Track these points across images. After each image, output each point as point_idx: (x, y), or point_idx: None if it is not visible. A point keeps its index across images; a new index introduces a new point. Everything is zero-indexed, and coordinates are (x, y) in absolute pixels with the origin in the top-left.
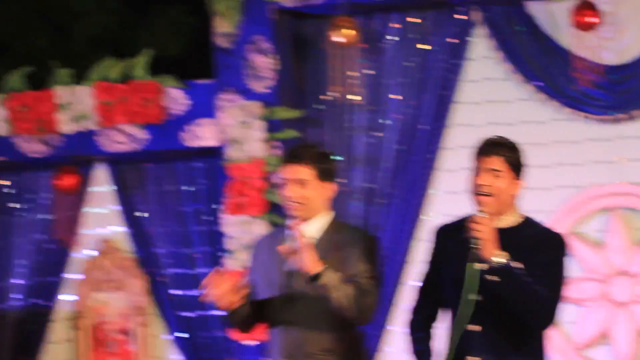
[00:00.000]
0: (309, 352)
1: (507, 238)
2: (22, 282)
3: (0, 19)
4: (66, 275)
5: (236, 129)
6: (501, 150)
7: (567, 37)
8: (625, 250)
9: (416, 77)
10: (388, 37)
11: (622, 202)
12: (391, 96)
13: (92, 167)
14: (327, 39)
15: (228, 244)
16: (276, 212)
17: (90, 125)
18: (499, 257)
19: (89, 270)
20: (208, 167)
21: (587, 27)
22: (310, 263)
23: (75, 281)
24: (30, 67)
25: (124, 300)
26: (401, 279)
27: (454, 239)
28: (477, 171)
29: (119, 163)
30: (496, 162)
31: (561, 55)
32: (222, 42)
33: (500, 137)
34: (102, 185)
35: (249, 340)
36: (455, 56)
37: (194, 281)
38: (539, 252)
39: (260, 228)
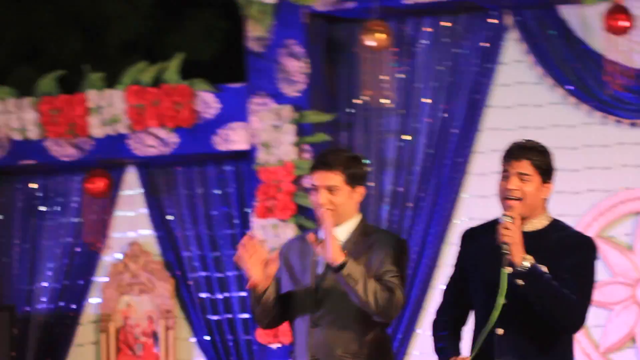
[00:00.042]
0: (335, 354)
1: (536, 241)
2: (50, 285)
3: (34, 24)
4: (94, 279)
5: (267, 132)
6: (529, 154)
7: (599, 40)
8: None
9: (448, 81)
10: (420, 41)
11: None
12: (423, 100)
13: (122, 171)
14: (359, 43)
15: None
16: (304, 216)
17: (121, 128)
18: (525, 261)
19: (117, 273)
20: (238, 170)
21: (620, 31)
22: (334, 253)
23: (103, 284)
24: (62, 71)
25: (151, 303)
26: (430, 283)
27: (480, 242)
28: (506, 175)
29: (149, 166)
30: (524, 166)
31: (593, 59)
32: (254, 46)
33: (529, 140)
34: (132, 189)
35: (273, 343)
36: (487, 60)
37: (221, 284)
38: (568, 256)
39: (288, 231)
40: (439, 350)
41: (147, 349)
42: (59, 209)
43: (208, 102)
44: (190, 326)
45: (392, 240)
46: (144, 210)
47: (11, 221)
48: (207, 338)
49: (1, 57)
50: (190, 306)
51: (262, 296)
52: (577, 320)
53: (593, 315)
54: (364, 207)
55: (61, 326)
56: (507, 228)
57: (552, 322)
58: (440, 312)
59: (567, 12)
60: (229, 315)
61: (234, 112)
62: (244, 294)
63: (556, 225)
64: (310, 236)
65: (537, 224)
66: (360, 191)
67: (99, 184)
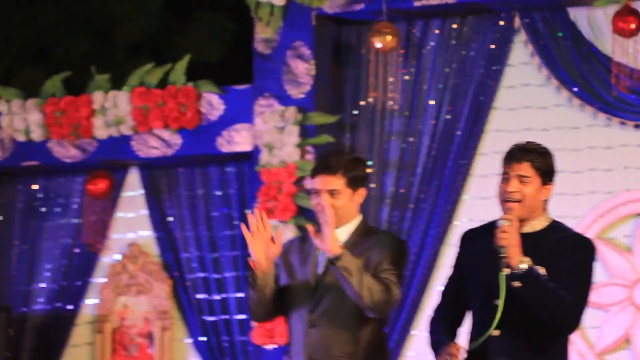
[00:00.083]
0: (332, 354)
1: (535, 243)
2: (48, 286)
3: (42, 25)
4: (92, 280)
5: (271, 134)
6: (529, 156)
7: (607, 42)
8: None
9: (454, 82)
10: (428, 43)
11: None
12: (428, 102)
13: (124, 172)
14: (367, 45)
15: None
16: (305, 217)
17: (125, 130)
18: (522, 263)
19: (115, 274)
20: (240, 171)
21: (629, 33)
22: (331, 244)
23: (101, 285)
24: (69, 72)
25: (148, 304)
26: (427, 284)
27: (479, 244)
28: (506, 178)
29: (151, 168)
30: (524, 168)
31: (600, 61)
32: (262, 48)
33: (529, 142)
34: (134, 190)
35: (269, 344)
36: (494, 62)
37: (219, 285)
38: (566, 257)
39: (288, 233)
40: (433, 343)
41: (142, 350)
42: (59, 210)
43: (213, 104)
44: (186, 327)
45: (392, 241)
46: (144, 212)
47: (11, 222)
48: (203, 339)
49: (8, 58)
50: (187, 307)
51: (259, 281)
52: (573, 322)
53: (589, 316)
54: (363, 208)
55: (57, 327)
56: (504, 231)
57: (548, 323)
58: (438, 310)
59: (577, 14)
60: (226, 316)
61: (239, 113)
62: (241, 295)
63: (555, 227)
64: (310, 227)
65: (537, 225)
66: (361, 193)
67: (100, 185)
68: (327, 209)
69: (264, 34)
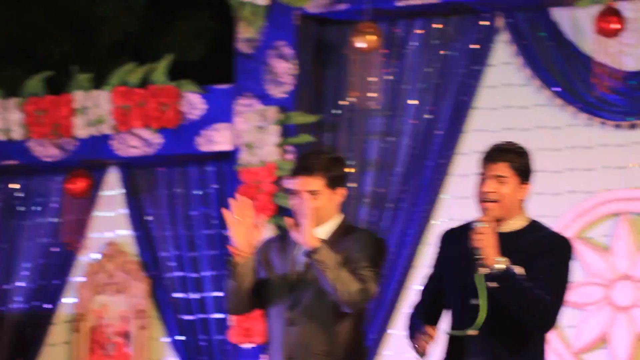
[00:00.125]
0: (311, 352)
1: (512, 242)
2: (26, 284)
3: (24, 24)
4: (70, 279)
5: (251, 133)
6: (506, 156)
7: (589, 43)
8: (630, 255)
9: (435, 82)
10: (410, 43)
11: (632, 207)
12: (409, 101)
13: (104, 171)
14: (350, 45)
15: None
16: (284, 216)
17: (105, 129)
18: (499, 264)
19: (92, 273)
20: (220, 171)
21: (611, 33)
22: (309, 236)
23: (79, 284)
24: (51, 71)
25: (125, 303)
26: (404, 283)
27: (458, 243)
28: (483, 178)
29: (131, 167)
30: (501, 169)
31: (582, 61)
32: (244, 48)
33: (507, 142)
34: (113, 189)
35: (246, 343)
36: (476, 62)
37: (197, 284)
38: (543, 256)
39: (267, 232)
40: (410, 327)
41: (120, 349)
42: (39, 209)
43: (194, 103)
44: (163, 326)
45: (371, 239)
46: (123, 211)
47: None
48: (180, 338)
49: None
50: (165, 306)
51: (239, 269)
52: (549, 321)
53: (567, 315)
54: (343, 207)
55: (34, 326)
56: (480, 232)
57: (524, 322)
58: (416, 308)
59: (559, 15)
60: (203, 316)
61: (220, 113)
62: (219, 294)
63: (534, 226)
64: (289, 220)
65: (515, 224)
66: (341, 192)
67: (79, 184)
68: (306, 202)
69: (246, 33)
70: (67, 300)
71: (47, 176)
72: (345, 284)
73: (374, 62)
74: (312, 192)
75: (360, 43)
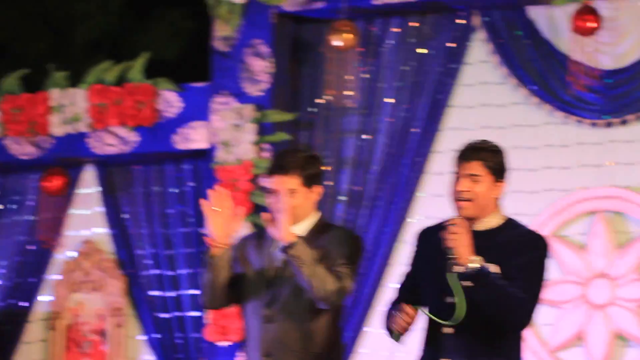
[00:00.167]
0: (288, 349)
1: (487, 240)
2: (2, 282)
3: (0, 22)
4: (46, 277)
5: (227, 131)
6: (480, 155)
7: (566, 41)
8: (606, 253)
9: (412, 80)
10: (387, 41)
11: (608, 206)
12: (385, 100)
13: (80, 169)
14: (326, 43)
15: None
16: (259, 214)
17: (81, 127)
18: (473, 263)
19: (69, 271)
20: (196, 169)
21: (587, 31)
22: (285, 231)
23: (55, 282)
24: (27, 70)
25: (101, 301)
26: (381, 281)
27: (434, 242)
28: (457, 177)
29: (107, 165)
30: (475, 167)
31: (558, 60)
32: (220, 46)
33: (481, 141)
34: (89, 187)
35: (222, 341)
36: (452, 60)
37: (173, 282)
38: (518, 254)
39: (243, 230)
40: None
41: (96, 347)
42: (15, 207)
43: (170, 101)
44: (140, 324)
45: (347, 236)
46: (99, 209)
47: None
48: (157, 336)
49: None
50: (141, 304)
51: (215, 261)
52: (524, 319)
53: (543, 313)
54: (319, 205)
55: (10, 324)
56: (453, 232)
57: (499, 320)
58: (392, 304)
59: (535, 13)
60: (179, 313)
61: (196, 111)
62: (195, 291)
63: (509, 224)
64: (265, 215)
65: (490, 222)
66: (317, 190)
67: (56, 182)
68: (282, 198)
69: (223, 31)
70: (43, 298)
71: (24, 174)
72: (322, 280)
73: (350, 60)
74: (289, 191)
75: (336, 41)
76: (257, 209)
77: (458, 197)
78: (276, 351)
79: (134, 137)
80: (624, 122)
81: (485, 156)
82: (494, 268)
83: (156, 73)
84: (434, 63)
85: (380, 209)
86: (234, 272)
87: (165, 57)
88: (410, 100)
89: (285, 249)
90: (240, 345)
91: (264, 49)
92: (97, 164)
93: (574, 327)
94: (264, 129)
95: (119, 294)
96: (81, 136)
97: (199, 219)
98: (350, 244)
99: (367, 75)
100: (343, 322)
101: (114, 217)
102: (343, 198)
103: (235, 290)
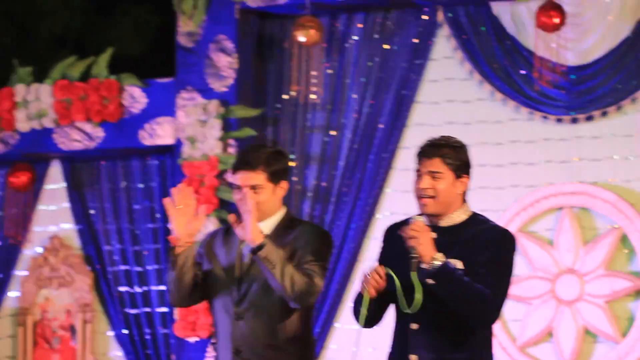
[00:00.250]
0: (258, 346)
1: (453, 236)
2: None
3: None
4: (14, 272)
5: (193, 127)
6: (439, 152)
7: (531, 37)
8: (574, 249)
9: (377, 76)
10: (351, 37)
11: (575, 201)
12: (350, 95)
13: (46, 165)
14: (291, 39)
15: None
16: (227, 210)
17: (47, 123)
18: (435, 260)
19: (36, 267)
20: (162, 165)
21: (552, 27)
22: (253, 233)
23: (22, 278)
24: None
25: (69, 296)
26: (349, 277)
27: (400, 239)
28: (419, 174)
29: (73, 161)
30: (435, 164)
31: (523, 56)
32: (185, 41)
33: (441, 137)
34: (55, 183)
35: (191, 337)
36: (417, 56)
37: (141, 278)
38: (484, 249)
39: (210, 226)
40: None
41: (64, 343)
42: None
43: (135, 97)
44: (108, 320)
45: (316, 232)
46: (66, 204)
47: None
48: (125, 332)
49: None
50: (109, 300)
51: (180, 259)
52: (491, 315)
53: (511, 309)
54: (286, 202)
55: None
56: (414, 230)
57: (465, 316)
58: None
59: (500, 9)
60: (148, 309)
61: (162, 106)
62: (163, 287)
63: (475, 219)
64: (231, 216)
65: (455, 218)
66: (283, 186)
67: (22, 178)
68: (248, 198)
69: (187, 27)
70: (12, 294)
71: None
72: (292, 279)
73: (315, 56)
74: (255, 187)
75: (301, 37)
76: (224, 204)
77: (420, 195)
78: (246, 348)
79: (99, 133)
80: (589, 118)
81: (446, 153)
82: (458, 264)
83: (121, 68)
84: (398, 59)
85: (347, 204)
86: (201, 269)
87: (130, 53)
88: (375, 96)
89: (254, 251)
90: (209, 341)
91: (229, 44)
92: (63, 159)
93: (543, 323)
94: (229, 125)
95: (87, 290)
96: (47, 132)
97: (166, 215)
98: (319, 241)
99: (332, 71)
100: (313, 318)
101: (80, 213)
102: (310, 194)
103: (203, 288)
